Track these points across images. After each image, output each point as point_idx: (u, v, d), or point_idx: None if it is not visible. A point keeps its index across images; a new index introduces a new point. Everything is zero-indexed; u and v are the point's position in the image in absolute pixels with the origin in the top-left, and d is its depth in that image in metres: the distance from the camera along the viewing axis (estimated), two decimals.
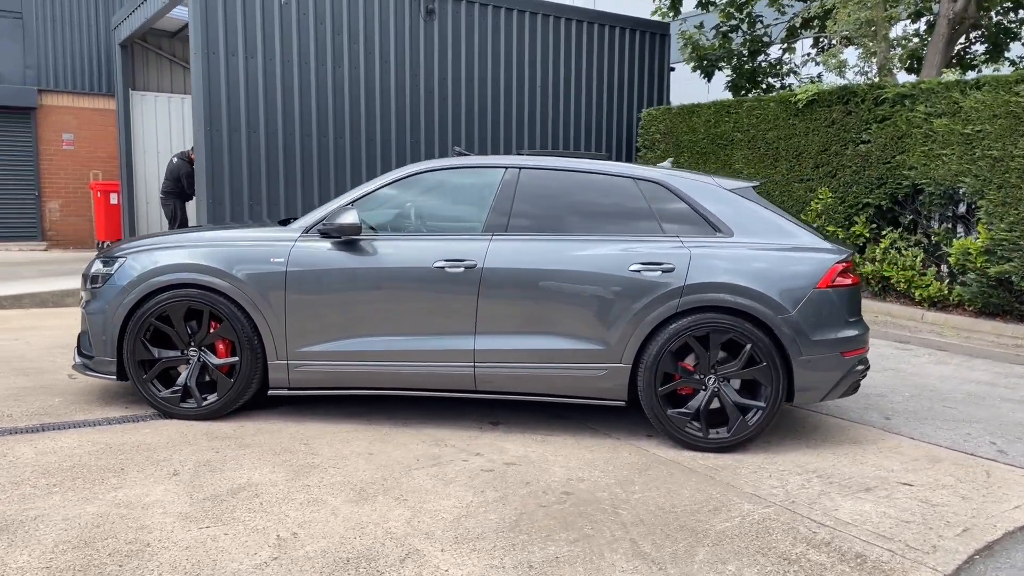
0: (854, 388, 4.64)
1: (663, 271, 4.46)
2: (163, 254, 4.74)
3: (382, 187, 4.82)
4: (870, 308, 9.12)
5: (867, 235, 9.46)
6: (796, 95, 9.97)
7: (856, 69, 11.44)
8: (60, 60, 14.31)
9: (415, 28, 10.34)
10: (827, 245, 4.60)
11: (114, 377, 4.75)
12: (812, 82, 10.88)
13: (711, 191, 4.67)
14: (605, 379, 4.53)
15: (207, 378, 4.77)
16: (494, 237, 4.63)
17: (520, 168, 4.78)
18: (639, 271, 4.46)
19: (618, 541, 3.31)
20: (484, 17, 10.95)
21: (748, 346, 4.40)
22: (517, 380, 4.59)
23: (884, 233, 9.33)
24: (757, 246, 4.55)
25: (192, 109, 9.31)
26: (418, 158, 10.42)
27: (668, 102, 12.88)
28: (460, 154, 5.12)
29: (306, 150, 9.65)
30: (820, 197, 9.76)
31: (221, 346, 4.75)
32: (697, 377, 4.50)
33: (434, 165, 4.87)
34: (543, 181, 4.77)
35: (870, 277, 9.40)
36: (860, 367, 4.57)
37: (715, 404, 4.51)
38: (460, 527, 3.38)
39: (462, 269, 4.54)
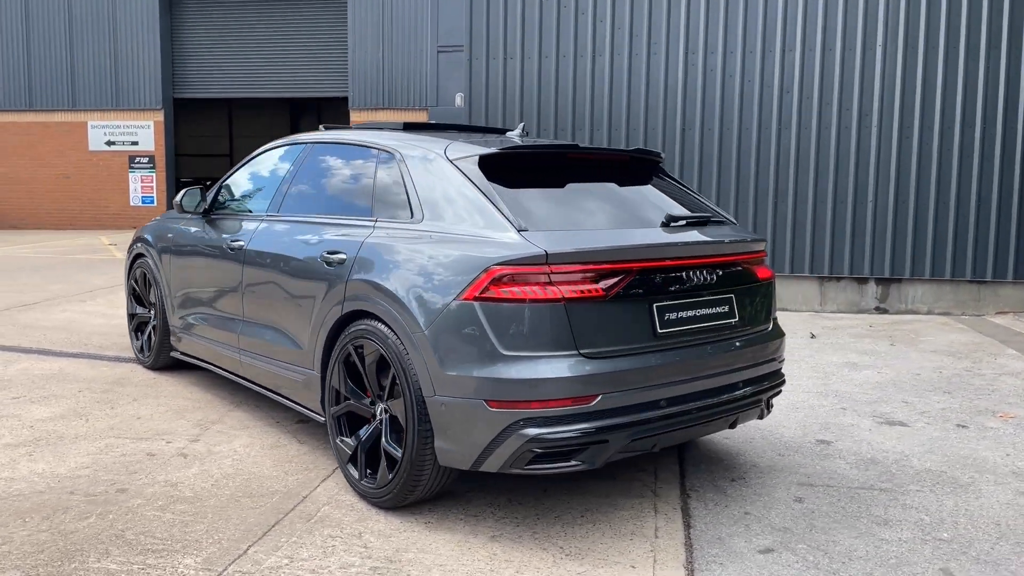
0: (544, 463, 2.90)
1: (337, 262, 3.55)
2: (146, 226, 5.73)
3: (243, 166, 4.89)
4: None
5: None
6: None
7: None
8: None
9: (694, 2, 9.11)
10: (511, 238, 2.96)
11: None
12: None
13: (430, 161, 3.45)
14: (305, 387, 3.82)
15: None
16: (266, 217, 4.32)
17: (314, 144, 4.31)
18: (324, 260, 3.64)
19: None
20: None
21: (391, 370, 3.20)
22: (262, 375, 4.21)
23: None
24: (422, 234, 3.26)
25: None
26: (697, 149, 9.19)
27: None
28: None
29: None
30: None
31: None
32: (366, 403, 3.44)
33: (275, 144, 4.72)
34: (320, 157, 4.21)
35: None
36: (535, 431, 2.82)
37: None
38: None
39: (234, 250, 4.38)
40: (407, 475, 3.12)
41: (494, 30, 9.61)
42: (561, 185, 3.43)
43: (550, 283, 2.87)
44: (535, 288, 2.86)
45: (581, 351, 2.90)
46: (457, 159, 3.36)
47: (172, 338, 5.21)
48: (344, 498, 3.44)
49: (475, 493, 3.50)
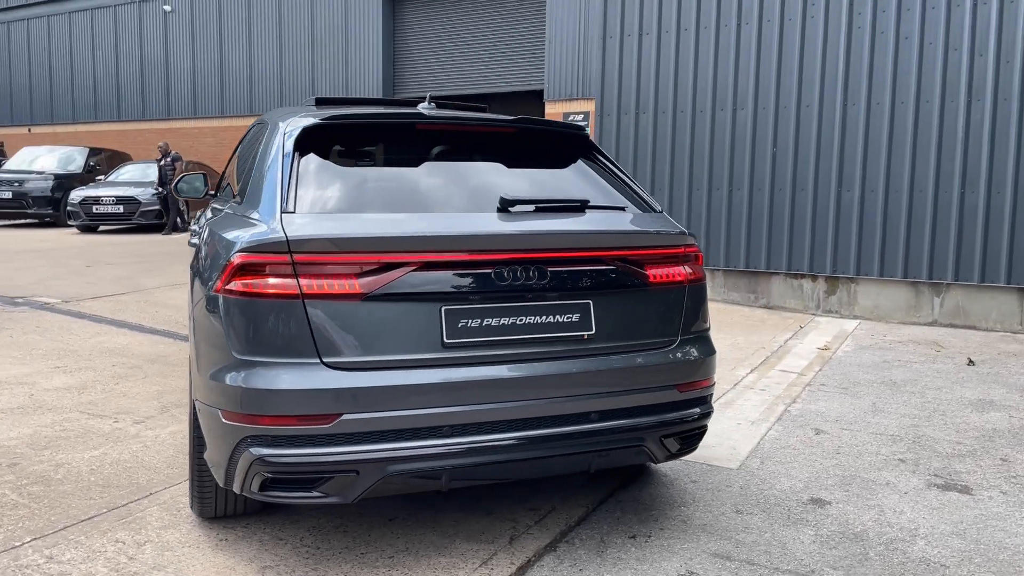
0: (280, 490, 2.41)
1: (194, 244, 3.32)
2: None
3: (235, 149, 4.83)
4: None
5: None
6: None
7: None
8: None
9: None
10: (268, 221, 2.49)
11: None
12: None
13: (273, 135, 3.05)
14: None
15: None
16: (216, 204, 4.20)
17: (259, 124, 4.09)
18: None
19: None
20: None
21: None
22: None
23: None
24: (225, 217, 2.89)
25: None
26: (861, 130, 7.66)
27: None
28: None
29: (699, 128, 8.44)
30: None
31: None
32: None
33: (251, 125, 4.58)
34: (253, 137, 3.97)
35: None
36: (262, 451, 2.34)
37: None
38: None
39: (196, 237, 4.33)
40: (193, 485, 2.81)
41: (629, 4, 8.81)
42: (400, 162, 2.89)
43: (294, 276, 2.38)
44: (273, 281, 2.39)
45: (324, 360, 2.37)
46: (288, 132, 2.95)
47: None
48: (184, 501, 3.20)
49: (309, 512, 3.07)
